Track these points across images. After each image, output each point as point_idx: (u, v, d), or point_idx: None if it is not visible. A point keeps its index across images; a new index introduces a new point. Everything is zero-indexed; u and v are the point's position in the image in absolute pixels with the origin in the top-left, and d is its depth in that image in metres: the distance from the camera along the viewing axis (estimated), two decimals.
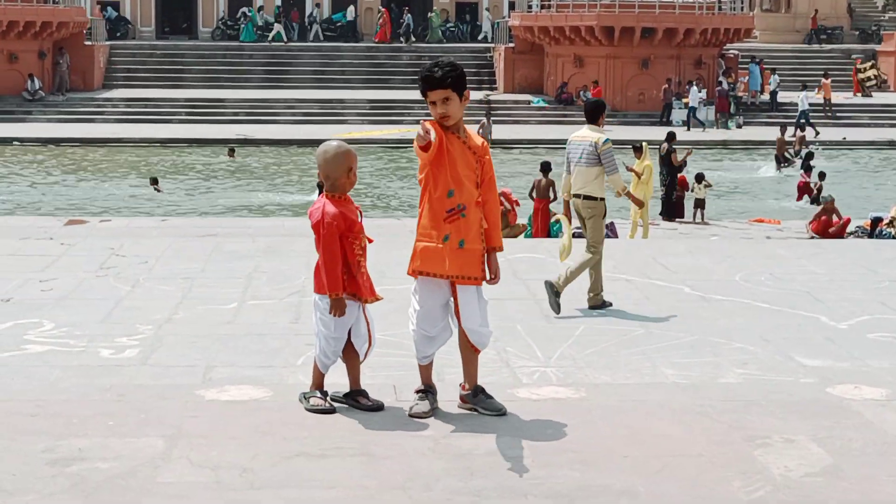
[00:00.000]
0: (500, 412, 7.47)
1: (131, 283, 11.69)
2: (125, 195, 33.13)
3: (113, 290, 11.35)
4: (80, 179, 36.70)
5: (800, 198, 32.21)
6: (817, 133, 47.95)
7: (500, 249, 7.65)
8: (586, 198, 11.61)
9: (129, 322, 10.02)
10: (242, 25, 65.39)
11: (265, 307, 10.74)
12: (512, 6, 64.03)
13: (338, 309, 7.36)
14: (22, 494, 6.03)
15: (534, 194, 23.25)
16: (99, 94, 54.25)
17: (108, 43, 59.82)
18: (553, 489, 6.21)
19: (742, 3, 58.74)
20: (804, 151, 38.06)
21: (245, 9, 66.42)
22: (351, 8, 67.25)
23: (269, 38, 63.55)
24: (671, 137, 28.31)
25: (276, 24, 64.53)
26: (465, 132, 7.45)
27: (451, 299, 7.50)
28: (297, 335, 9.68)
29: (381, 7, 65.85)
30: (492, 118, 46.87)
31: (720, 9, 56.34)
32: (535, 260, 13.58)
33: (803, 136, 43.98)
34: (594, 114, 11.78)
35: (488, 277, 7.55)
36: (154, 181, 33.72)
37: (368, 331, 7.62)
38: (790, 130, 43.42)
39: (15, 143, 45.06)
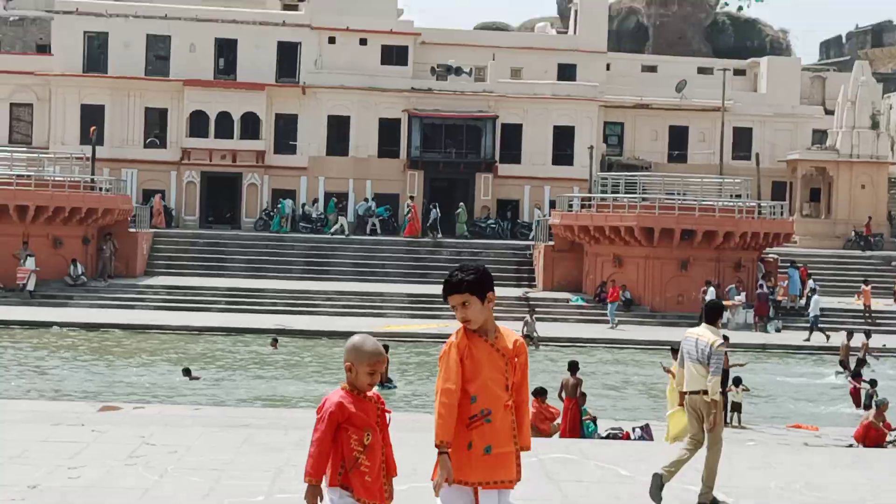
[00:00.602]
0: None
1: (160, 473, 11.61)
2: (163, 382, 33.16)
3: (141, 480, 11.26)
4: (118, 365, 36.80)
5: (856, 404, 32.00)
6: (828, 337, 47.61)
7: (527, 449, 7.51)
8: (705, 393, 11.78)
9: None
10: (274, 215, 66.31)
11: (292, 501, 10.62)
12: (552, 204, 64.62)
13: (310, 496, 7.10)
14: None
15: (563, 394, 23.31)
16: (141, 281, 54.77)
17: (151, 230, 60.60)
18: None
19: (782, 208, 59.11)
20: (865, 357, 38.06)
21: (287, 201, 67.38)
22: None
23: (332, 231, 64.23)
24: (725, 339, 28.09)
25: (340, 217, 65.31)
26: (497, 333, 7.37)
27: None
28: None
29: (409, 203, 66.52)
30: (535, 315, 46.92)
31: (760, 213, 56.68)
32: (569, 461, 13.42)
33: (867, 344, 43.47)
34: (713, 314, 12.22)
35: None
36: (187, 372, 33.79)
37: None
38: (858, 336, 42.69)
39: (55, 327, 45.33)
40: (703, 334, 12.04)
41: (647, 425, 20.43)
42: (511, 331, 7.52)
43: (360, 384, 7.28)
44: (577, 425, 22.10)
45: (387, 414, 7.40)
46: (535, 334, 44.55)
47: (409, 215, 65.50)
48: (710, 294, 49.89)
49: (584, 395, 23.04)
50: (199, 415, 20.75)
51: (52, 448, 13.14)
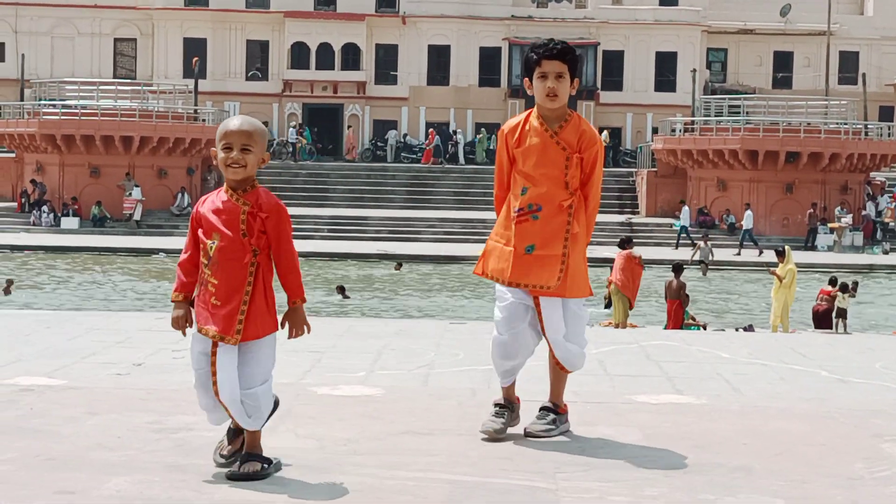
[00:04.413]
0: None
1: None
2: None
3: None
4: None
5: None
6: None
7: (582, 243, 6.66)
8: None
9: None
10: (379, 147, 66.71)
11: (392, 376, 10.70)
12: (655, 130, 64.17)
13: (173, 317, 5.92)
14: (123, 450, 6.14)
15: (666, 295, 23.41)
16: None
17: None
18: (668, 464, 6.14)
19: (889, 129, 58.13)
20: None
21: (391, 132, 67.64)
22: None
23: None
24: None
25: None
26: (562, 123, 6.55)
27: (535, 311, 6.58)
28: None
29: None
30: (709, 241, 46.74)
31: (866, 135, 55.80)
32: (670, 346, 13.36)
33: None
34: None
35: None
36: (341, 290, 34.51)
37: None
38: None
39: (161, 254, 45.91)
40: None
41: (750, 325, 20.35)
42: (583, 121, 6.64)
43: (223, 172, 5.87)
44: (680, 326, 22.11)
45: (276, 217, 5.84)
46: (710, 258, 44.45)
47: (427, 142, 65.72)
48: None
49: (687, 297, 23.05)
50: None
51: (156, 336, 13.33)
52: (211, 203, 5.87)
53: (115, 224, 52.28)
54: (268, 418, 5.89)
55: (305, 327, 5.92)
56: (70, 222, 52.07)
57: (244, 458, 5.78)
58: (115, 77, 67.81)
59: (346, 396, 7.79)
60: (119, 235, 50.17)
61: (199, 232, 5.86)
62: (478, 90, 69.77)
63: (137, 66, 70.61)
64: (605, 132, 64.98)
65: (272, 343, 5.86)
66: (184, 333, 5.92)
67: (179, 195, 53.81)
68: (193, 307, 5.87)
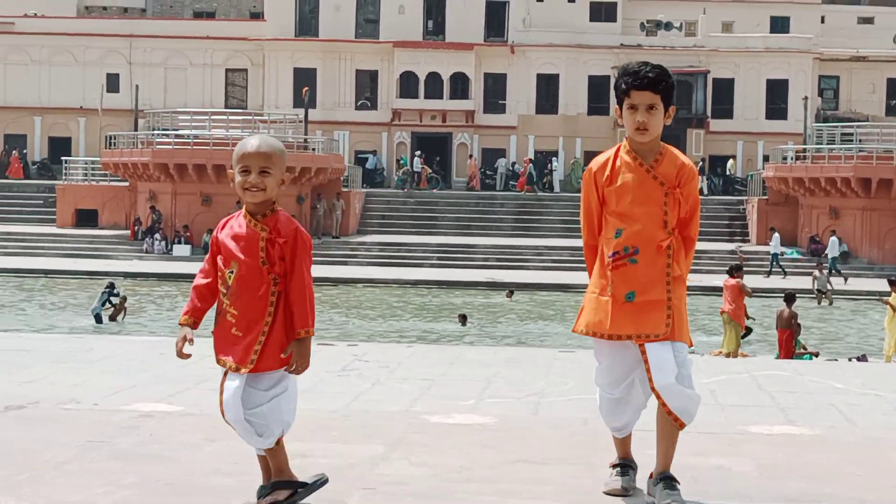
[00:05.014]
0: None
1: (371, 382, 11.79)
2: (389, 328, 34.12)
3: (353, 387, 11.44)
4: (339, 313, 37.68)
5: None
6: None
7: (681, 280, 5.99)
8: None
9: (367, 412, 10.11)
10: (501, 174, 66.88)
11: (502, 404, 10.71)
12: (766, 158, 63.63)
13: (179, 338, 5.64)
14: (241, 475, 6.21)
15: (777, 324, 23.24)
16: (353, 239, 55.58)
17: (364, 190, 61.42)
18: (782, 495, 6.11)
19: None
20: None
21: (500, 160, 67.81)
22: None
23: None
24: None
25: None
26: (657, 156, 5.94)
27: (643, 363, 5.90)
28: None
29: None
30: (824, 270, 46.28)
31: None
32: (782, 376, 13.24)
33: None
34: None
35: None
36: (463, 318, 34.64)
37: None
38: None
39: None
40: None
41: (864, 355, 20.11)
42: (678, 154, 6.03)
43: (241, 196, 5.55)
44: (791, 356, 21.93)
45: (293, 243, 5.53)
46: (828, 289, 43.99)
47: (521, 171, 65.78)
48: None
49: (798, 326, 22.90)
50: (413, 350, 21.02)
51: None
52: (230, 228, 5.60)
53: None
54: (282, 428, 5.63)
55: (305, 362, 5.57)
56: (182, 250, 52.72)
57: (272, 486, 5.64)
58: (226, 107, 68.67)
59: (459, 424, 7.84)
60: None
61: (219, 259, 5.60)
62: (586, 119, 69.72)
63: (248, 95, 71.45)
64: (701, 163, 64.75)
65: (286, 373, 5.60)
66: (181, 356, 5.59)
67: None
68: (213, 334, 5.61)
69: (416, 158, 66.22)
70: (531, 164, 65.36)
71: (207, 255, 5.69)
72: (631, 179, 5.91)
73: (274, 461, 5.68)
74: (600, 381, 6.04)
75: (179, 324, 5.64)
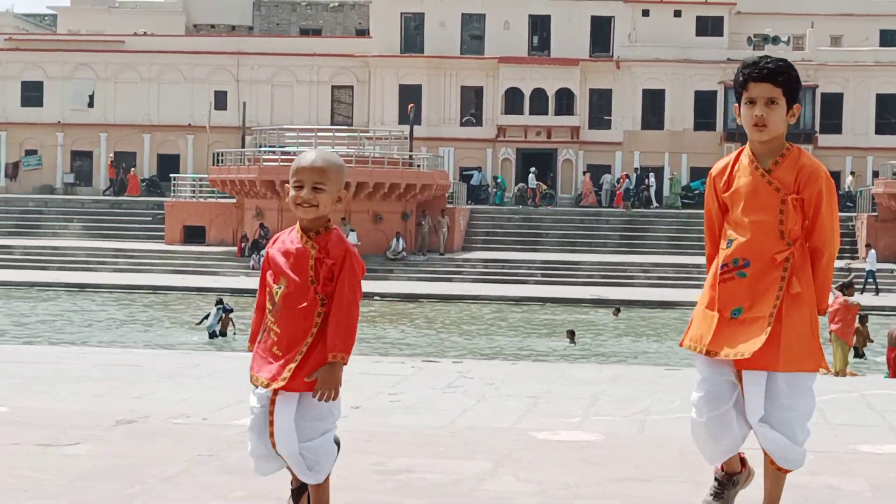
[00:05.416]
0: None
1: (476, 399, 11.79)
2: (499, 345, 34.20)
3: (458, 403, 11.46)
4: (443, 329, 37.74)
5: None
6: None
7: (822, 313, 5.50)
8: None
9: (473, 429, 10.14)
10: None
11: (608, 421, 10.67)
12: (875, 174, 62.80)
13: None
14: (348, 490, 6.25)
15: (889, 342, 22.90)
16: (458, 255, 55.66)
17: (468, 207, 61.51)
18: None
19: None
20: None
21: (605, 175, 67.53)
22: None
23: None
24: None
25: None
26: (777, 159, 5.41)
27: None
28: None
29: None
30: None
31: None
32: (892, 396, 13.03)
33: None
34: None
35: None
36: (571, 334, 34.62)
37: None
38: None
39: (376, 298, 46.54)
40: None
41: None
42: (804, 155, 5.49)
43: (294, 211, 5.40)
44: None
45: (340, 264, 5.35)
46: None
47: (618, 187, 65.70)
48: None
49: None
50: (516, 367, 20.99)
51: (373, 379, 13.48)
52: (282, 244, 5.44)
53: None
54: (332, 463, 5.49)
55: (334, 391, 5.31)
56: None
57: None
58: (332, 123, 69.15)
59: (565, 441, 7.82)
60: None
61: (268, 274, 5.43)
62: (693, 134, 69.27)
63: (354, 112, 71.89)
64: (853, 175, 64.10)
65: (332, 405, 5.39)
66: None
67: (394, 240, 54.47)
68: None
69: (530, 175, 66.21)
70: (627, 180, 65.21)
71: (260, 279, 5.52)
72: (744, 185, 5.44)
73: (316, 496, 5.52)
74: (696, 398, 5.52)
75: (248, 350, 5.54)
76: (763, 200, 5.37)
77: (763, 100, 5.37)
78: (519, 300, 46.27)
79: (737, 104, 5.53)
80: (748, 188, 5.41)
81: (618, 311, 42.35)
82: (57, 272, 51.24)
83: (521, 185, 65.77)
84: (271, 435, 5.33)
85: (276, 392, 5.29)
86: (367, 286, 48.39)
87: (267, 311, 5.40)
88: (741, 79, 5.44)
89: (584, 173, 68.17)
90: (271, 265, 5.41)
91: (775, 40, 69.45)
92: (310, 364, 5.29)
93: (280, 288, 5.34)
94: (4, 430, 8.01)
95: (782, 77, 5.40)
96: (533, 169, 66.55)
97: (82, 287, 47.68)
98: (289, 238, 5.42)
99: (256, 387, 5.39)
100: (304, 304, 5.28)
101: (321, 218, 5.37)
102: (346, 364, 5.32)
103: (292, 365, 5.28)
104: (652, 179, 66.36)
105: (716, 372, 5.43)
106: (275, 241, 5.48)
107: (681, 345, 5.69)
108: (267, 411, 5.34)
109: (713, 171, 5.62)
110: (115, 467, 6.81)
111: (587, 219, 61.70)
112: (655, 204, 65.18)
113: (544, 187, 65.78)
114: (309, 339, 5.30)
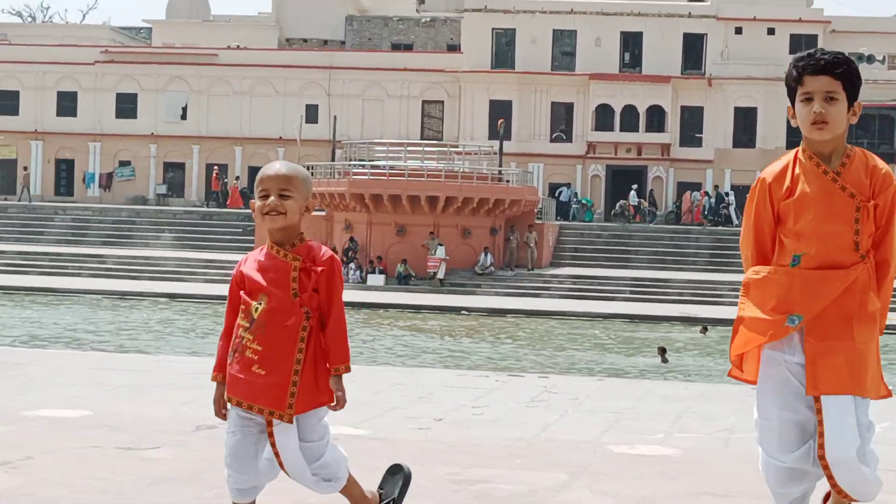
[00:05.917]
0: None
1: (560, 413, 11.74)
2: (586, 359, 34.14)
3: (541, 418, 11.41)
4: (527, 345, 37.69)
5: None
6: None
7: (882, 332, 4.89)
8: None
9: (552, 441, 10.09)
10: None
11: (692, 438, 10.57)
12: None
13: (215, 398, 5.36)
14: (423, 499, 6.28)
15: None
16: (547, 271, 55.54)
17: (557, 223, 61.39)
18: None
19: None
20: None
21: (695, 193, 67.12)
22: None
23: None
24: None
25: None
26: (844, 160, 4.83)
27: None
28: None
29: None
30: None
31: None
32: None
33: None
34: None
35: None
36: (662, 351, 34.47)
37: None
38: None
39: (463, 312, 46.56)
40: None
41: None
42: (869, 155, 4.93)
43: (261, 223, 5.25)
44: None
45: (329, 271, 5.28)
46: None
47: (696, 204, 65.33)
48: None
49: None
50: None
51: (457, 392, 13.47)
52: (255, 262, 5.25)
53: (419, 282, 53.23)
54: (346, 463, 5.41)
55: (345, 398, 5.22)
56: (376, 279, 53.27)
57: None
58: (422, 138, 69.32)
59: (644, 455, 7.81)
60: (423, 293, 51.04)
61: (242, 293, 5.24)
62: (785, 153, 68.55)
63: (444, 127, 72.06)
64: None
65: (324, 411, 5.29)
66: (221, 417, 5.31)
67: (483, 255, 54.46)
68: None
69: (631, 192, 66.06)
70: (707, 197, 64.82)
71: (228, 304, 5.33)
72: (813, 190, 4.81)
73: (352, 496, 5.46)
74: (763, 438, 5.07)
75: (213, 380, 5.33)
76: (837, 208, 4.78)
77: (821, 94, 4.79)
78: (607, 316, 46.08)
79: (790, 106, 4.95)
80: (819, 194, 4.80)
81: (705, 329, 42.06)
82: (148, 282, 51.80)
83: (621, 201, 65.56)
84: (280, 465, 5.24)
85: (270, 423, 5.16)
86: (455, 300, 48.54)
87: (240, 329, 5.20)
88: (795, 73, 4.85)
89: (688, 192, 67.74)
90: (246, 284, 5.23)
91: (870, 59, 68.72)
92: (307, 383, 5.17)
93: (260, 304, 5.16)
94: (87, 433, 8.10)
95: (841, 69, 4.82)
96: (635, 186, 66.35)
97: (173, 297, 48.16)
98: (261, 255, 5.27)
99: (233, 406, 5.23)
100: (291, 319, 5.15)
101: (292, 228, 5.26)
102: (349, 372, 5.23)
103: (293, 389, 5.13)
104: (732, 198, 65.73)
105: (785, 404, 4.95)
106: (244, 262, 5.32)
107: (729, 374, 5.35)
108: (252, 440, 5.21)
109: (767, 177, 4.97)
110: (193, 471, 6.86)
111: (677, 236, 61.35)
112: (736, 222, 64.58)
113: (646, 204, 65.58)
114: (299, 356, 5.15)
